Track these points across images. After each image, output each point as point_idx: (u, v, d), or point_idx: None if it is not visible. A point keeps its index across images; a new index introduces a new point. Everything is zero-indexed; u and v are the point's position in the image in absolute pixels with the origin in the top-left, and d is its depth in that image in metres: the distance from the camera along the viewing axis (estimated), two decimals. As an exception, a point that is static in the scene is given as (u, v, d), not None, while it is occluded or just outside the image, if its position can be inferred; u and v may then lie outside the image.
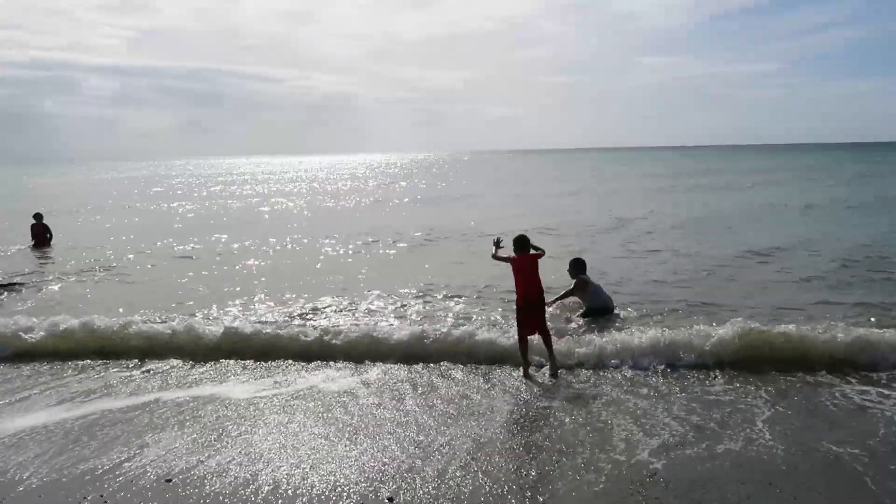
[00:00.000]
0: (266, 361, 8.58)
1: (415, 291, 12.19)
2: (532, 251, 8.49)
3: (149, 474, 5.60)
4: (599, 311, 9.81)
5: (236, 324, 9.59)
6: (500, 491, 5.21)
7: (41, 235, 19.54)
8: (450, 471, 5.55)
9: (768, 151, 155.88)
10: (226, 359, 8.72)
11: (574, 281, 10.16)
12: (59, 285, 14.13)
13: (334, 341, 8.81)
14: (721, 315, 9.70)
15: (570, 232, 20.09)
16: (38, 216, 19.75)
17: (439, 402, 7.12)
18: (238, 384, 7.89)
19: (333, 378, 7.97)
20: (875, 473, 5.33)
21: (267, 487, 5.35)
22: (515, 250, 8.68)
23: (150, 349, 9.03)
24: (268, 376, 8.12)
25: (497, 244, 8.60)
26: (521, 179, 57.75)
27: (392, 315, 10.63)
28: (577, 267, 10.21)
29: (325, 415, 6.84)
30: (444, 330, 8.94)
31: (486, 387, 7.54)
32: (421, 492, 5.23)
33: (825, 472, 5.41)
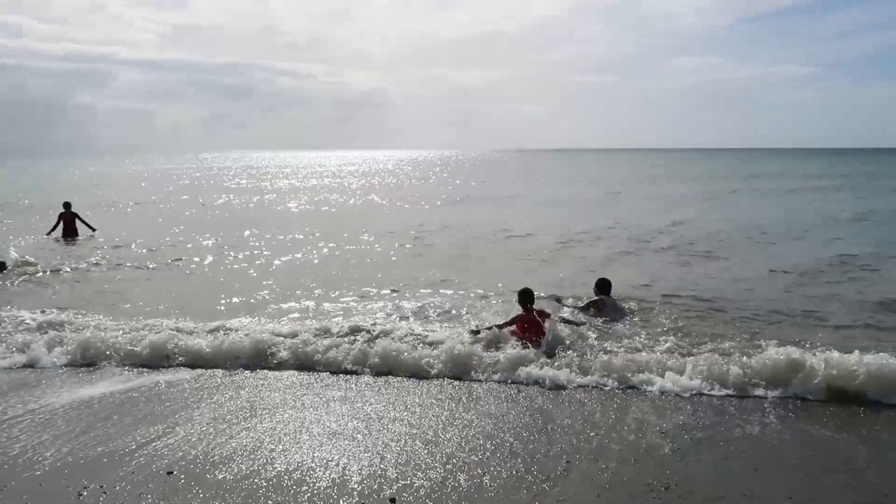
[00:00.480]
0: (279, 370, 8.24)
1: (451, 293, 11.91)
2: (537, 308, 8.71)
3: (155, 463, 5.56)
4: None
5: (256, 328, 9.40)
6: (504, 494, 5.06)
7: (70, 224, 19.58)
8: (454, 473, 5.41)
9: (804, 155, 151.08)
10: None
11: (595, 298, 10.17)
12: (94, 274, 14.31)
13: (356, 346, 8.47)
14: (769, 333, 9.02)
15: (616, 236, 19.39)
16: (66, 205, 19.81)
17: (445, 404, 6.98)
18: (251, 381, 7.85)
19: (343, 379, 7.85)
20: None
21: (268, 482, 5.26)
22: (521, 303, 8.74)
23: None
24: (282, 373, 8.07)
25: (476, 332, 8.59)
26: (558, 180, 55.00)
27: (415, 316, 10.35)
28: (602, 287, 10.22)
29: (332, 413, 6.77)
30: (455, 342, 8.35)
31: (495, 391, 7.36)
32: (423, 493, 5.09)
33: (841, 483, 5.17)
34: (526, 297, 8.78)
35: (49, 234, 19.36)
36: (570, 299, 10.58)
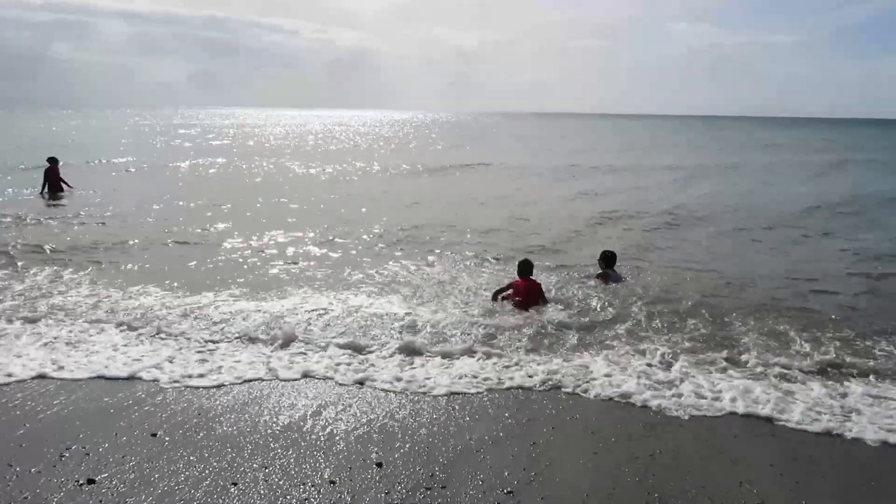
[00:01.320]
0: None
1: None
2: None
3: (143, 424, 5.53)
4: None
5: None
6: (494, 451, 5.09)
7: (56, 179, 19.14)
8: (440, 436, 5.44)
9: (804, 125, 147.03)
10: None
11: (600, 272, 10.38)
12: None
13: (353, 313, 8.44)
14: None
15: (640, 216, 17.31)
16: (52, 160, 19.22)
17: (434, 373, 6.94)
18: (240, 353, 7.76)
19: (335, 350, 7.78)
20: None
21: (254, 444, 5.25)
22: (519, 274, 9.15)
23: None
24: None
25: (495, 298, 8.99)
26: (565, 147, 50.61)
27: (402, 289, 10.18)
28: (606, 260, 10.43)
29: (319, 379, 6.74)
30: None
31: (488, 362, 7.34)
32: (411, 457, 5.11)
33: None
34: (522, 267, 9.20)
35: (42, 192, 18.87)
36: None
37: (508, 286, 9.09)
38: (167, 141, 50.13)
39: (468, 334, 7.78)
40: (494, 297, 9.00)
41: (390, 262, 11.46)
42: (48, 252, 11.84)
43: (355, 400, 6.15)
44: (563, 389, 6.45)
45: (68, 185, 19.47)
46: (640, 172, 30.36)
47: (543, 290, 9.06)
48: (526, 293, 8.78)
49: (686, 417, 5.88)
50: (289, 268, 11.11)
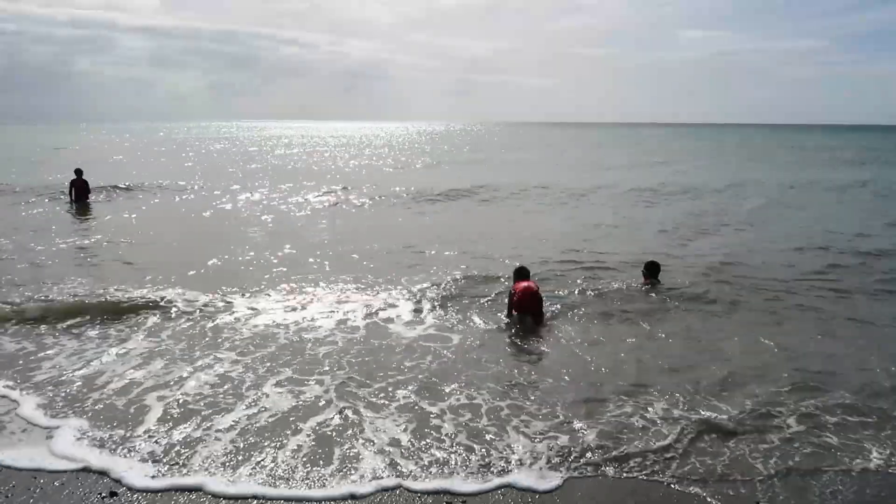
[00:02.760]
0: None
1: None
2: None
3: (160, 443, 5.54)
4: None
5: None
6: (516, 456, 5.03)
7: (81, 189, 20.19)
8: (458, 450, 5.39)
9: (808, 132, 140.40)
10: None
11: (646, 283, 10.43)
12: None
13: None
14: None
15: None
16: (78, 171, 20.25)
17: (451, 386, 6.90)
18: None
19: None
20: None
21: (275, 461, 5.25)
22: (516, 280, 9.08)
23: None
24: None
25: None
26: (592, 162, 43.92)
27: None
28: (651, 269, 10.54)
29: (339, 395, 6.72)
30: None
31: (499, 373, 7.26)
32: (432, 471, 5.08)
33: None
34: (519, 273, 9.14)
35: (70, 202, 19.99)
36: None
37: (510, 298, 8.86)
38: (214, 157, 47.36)
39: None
40: (511, 314, 8.79)
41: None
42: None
43: (377, 415, 6.09)
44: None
45: (88, 187, 20.47)
46: (752, 189, 25.82)
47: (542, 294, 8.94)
48: (522, 292, 8.65)
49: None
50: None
